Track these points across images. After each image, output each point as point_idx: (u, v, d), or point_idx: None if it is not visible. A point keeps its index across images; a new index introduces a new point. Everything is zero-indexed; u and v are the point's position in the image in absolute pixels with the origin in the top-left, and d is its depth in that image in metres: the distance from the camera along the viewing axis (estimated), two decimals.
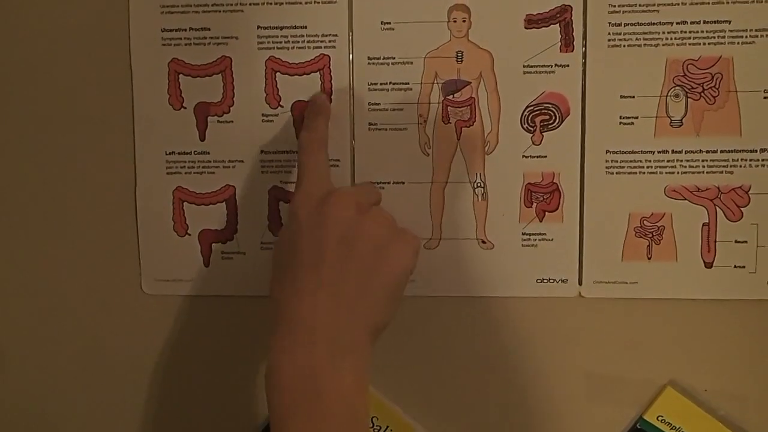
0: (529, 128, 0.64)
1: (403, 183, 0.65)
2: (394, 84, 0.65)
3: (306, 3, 0.65)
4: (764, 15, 0.62)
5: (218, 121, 0.66)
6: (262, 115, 0.66)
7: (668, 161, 0.64)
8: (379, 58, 0.65)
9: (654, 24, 0.63)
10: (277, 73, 0.65)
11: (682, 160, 0.64)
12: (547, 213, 0.65)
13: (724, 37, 0.63)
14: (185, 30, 0.65)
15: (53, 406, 0.70)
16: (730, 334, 0.65)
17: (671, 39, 0.63)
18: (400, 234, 0.58)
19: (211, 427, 0.69)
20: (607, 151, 0.64)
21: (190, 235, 0.67)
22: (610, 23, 0.63)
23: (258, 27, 0.65)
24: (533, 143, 0.64)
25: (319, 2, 0.64)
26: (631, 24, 0.63)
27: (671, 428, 0.64)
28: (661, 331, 0.65)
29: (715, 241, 0.64)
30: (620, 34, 0.63)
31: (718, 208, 0.64)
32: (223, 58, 0.66)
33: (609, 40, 0.63)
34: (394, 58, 0.64)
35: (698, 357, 0.65)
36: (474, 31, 0.64)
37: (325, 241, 0.56)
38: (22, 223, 0.69)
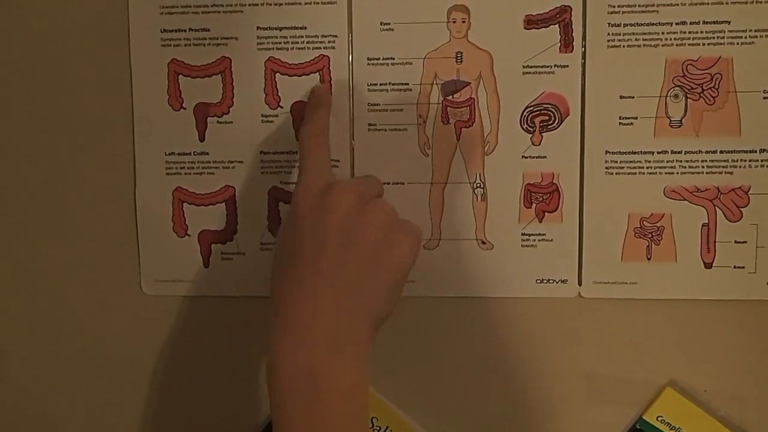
0: (529, 129, 0.64)
1: (403, 183, 0.65)
2: (393, 84, 0.65)
3: (305, 4, 0.65)
4: (764, 15, 0.62)
5: (218, 122, 0.66)
6: (262, 115, 0.66)
7: (668, 161, 0.64)
8: (378, 59, 0.65)
9: (653, 24, 0.63)
10: (277, 74, 0.65)
11: (681, 161, 0.64)
12: (546, 213, 0.65)
13: (723, 37, 0.63)
14: (185, 31, 0.65)
15: (53, 406, 0.70)
16: (729, 334, 0.65)
17: (671, 39, 0.63)
18: (402, 225, 0.58)
19: (211, 427, 0.69)
20: (607, 152, 0.64)
21: (189, 235, 0.67)
22: (609, 24, 0.63)
23: (257, 28, 0.65)
24: (533, 144, 0.64)
25: (318, 3, 0.64)
26: (631, 24, 0.63)
27: (671, 428, 0.64)
28: (660, 332, 0.65)
29: (715, 242, 0.64)
30: (620, 34, 0.63)
31: (717, 209, 0.64)
32: (222, 59, 0.66)
33: (608, 41, 0.63)
34: (393, 58, 0.64)
35: (698, 357, 0.65)
36: (473, 31, 0.64)
37: (325, 231, 0.55)
38: (22, 223, 0.69)
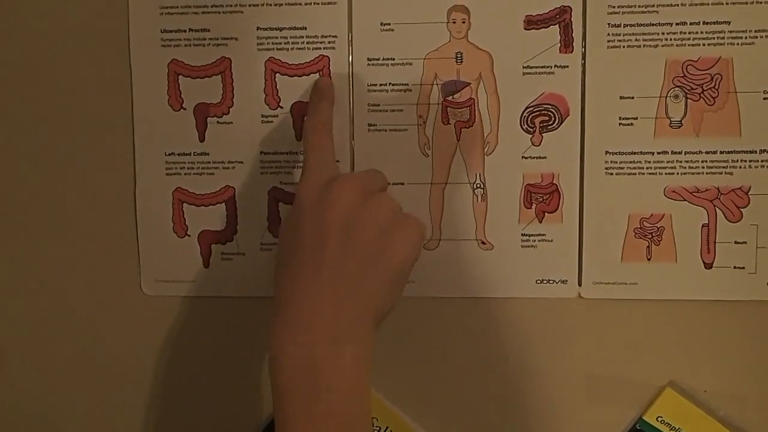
0: (529, 129, 0.64)
1: (403, 184, 0.65)
2: (393, 85, 0.65)
3: (305, 4, 0.65)
4: (764, 16, 0.62)
5: (218, 122, 0.66)
6: (262, 116, 0.66)
7: (668, 162, 0.64)
8: (378, 59, 0.65)
9: (653, 25, 0.63)
10: (277, 74, 0.65)
11: (681, 161, 0.64)
12: (546, 214, 0.65)
13: (723, 37, 0.63)
14: (185, 31, 0.65)
15: (53, 406, 0.70)
16: (729, 334, 0.65)
17: (671, 40, 0.63)
18: (405, 220, 0.57)
19: (211, 427, 0.69)
20: (607, 152, 0.64)
21: (189, 236, 0.67)
22: (609, 24, 0.63)
23: (257, 28, 0.65)
24: (533, 144, 0.64)
25: (318, 3, 0.64)
26: (631, 25, 0.63)
27: (671, 429, 0.64)
28: (660, 332, 0.65)
29: (715, 242, 0.64)
30: (620, 35, 0.63)
31: (717, 209, 0.64)
32: (222, 59, 0.66)
33: (608, 41, 0.63)
34: (393, 59, 0.64)
35: (698, 358, 0.65)
36: (473, 32, 0.64)
37: (328, 224, 0.55)
38: (22, 223, 0.69)
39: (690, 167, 0.64)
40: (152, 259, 0.68)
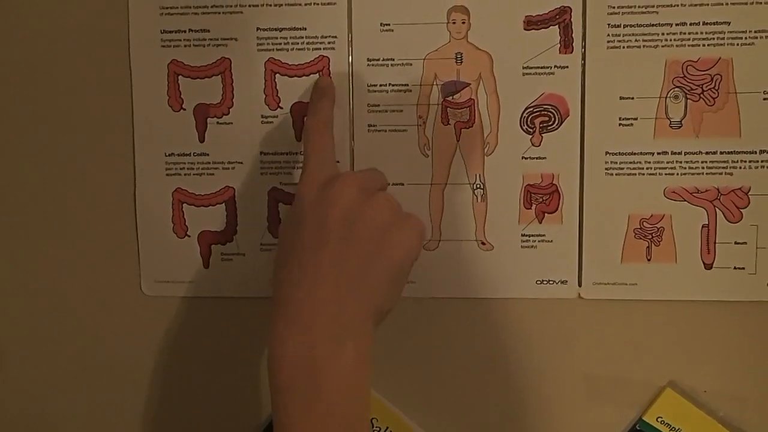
0: (529, 129, 0.64)
1: (403, 184, 0.65)
2: (393, 85, 0.65)
3: (305, 5, 0.65)
4: (764, 16, 0.62)
5: (218, 123, 0.66)
6: (262, 116, 0.66)
7: (668, 162, 0.64)
8: (378, 60, 0.65)
9: (653, 25, 0.63)
10: (277, 75, 0.65)
11: (681, 162, 0.64)
12: (546, 214, 0.65)
13: (723, 38, 0.63)
14: (185, 31, 0.65)
15: (53, 406, 0.70)
16: (729, 335, 0.65)
17: (670, 40, 0.63)
18: (405, 218, 0.57)
19: (211, 427, 0.69)
20: (607, 153, 0.64)
21: (189, 236, 0.67)
22: (609, 24, 0.63)
23: (257, 29, 0.65)
24: (533, 144, 0.64)
25: (318, 4, 0.64)
26: (631, 25, 0.63)
27: (671, 429, 0.64)
28: (660, 333, 0.65)
29: (715, 243, 0.64)
30: (619, 35, 0.63)
31: (717, 210, 0.64)
32: (222, 60, 0.66)
33: (608, 42, 0.63)
34: (393, 59, 0.64)
35: (698, 358, 0.65)
36: (473, 32, 0.64)
37: (328, 222, 0.55)
38: (22, 224, 0.69)
39: (690, 168, 0.64)
40: (152, 259, 0.68)
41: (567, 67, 0.64)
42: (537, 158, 0.64)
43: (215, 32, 0.65)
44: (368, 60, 0.65)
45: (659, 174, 0.64)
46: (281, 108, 0.66)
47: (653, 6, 0.63)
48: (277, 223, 0.66)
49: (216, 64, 0.66)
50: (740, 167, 0.63)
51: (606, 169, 0.64)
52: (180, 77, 0.66)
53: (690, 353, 0.65)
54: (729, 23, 0.62)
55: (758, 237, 0.64)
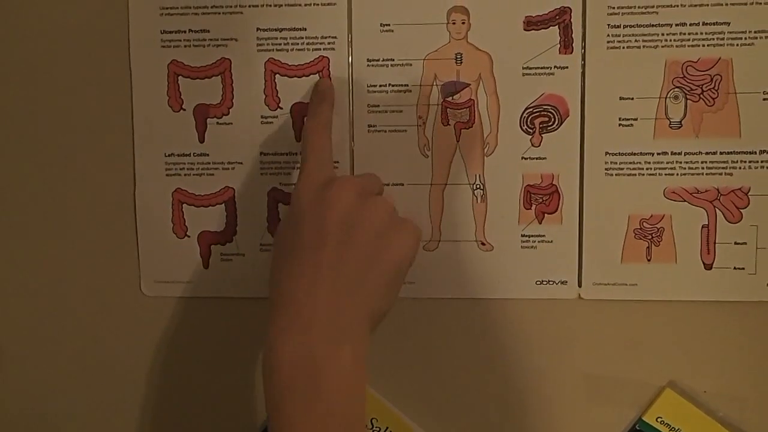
0: (529, 130, 0.64)
1: (403, 185, 0.65)
2: (393, 86, 0.65)
3: (305, 5, 0.65)
4: (763, 16, 0.62)
5: (217, 123, 0.66)
6: (262, 116, 0.66)
7: (667, 163, 0.64)
8: (378, 60, 0.65)
9: (653, 26, 0.63)
10: (277, 75, 0.65)
11: (681, 162, 0.64)
12: (546, 215, 0.65)
13: (723, 38, 0.63)
14: (185, 32, 0.65)
15: (53, 406, 0.70)
16: (729, 335, 0.65)
17: (670, 40, 0.63)
18: (401, 223, 0.58)
19: (210, 428, 0.69)
20: (607, 153, 0.64)
21: (189, 236, 0.67)
22: (609, 25, 0.63)
23: (257, 29, 0.65)
24: (532, 145, 0.64)
25: (318, 4, 0.64)
26: (630, 26, 0.63)
27: (670, 429, 0.64)
28: (660, 333, 0.65)
29: (715, 243, 0.64)
30: (619, 35, 0.63)
31: (717, 210, 0.64)
32: (222, 60, 0.66)
33: (608, 42, 0.63)
34: (393, 59, 0.64)
35: (698, 358, 0.65)
36: (473, 32, 0.64)
37: (326, 224, 0.55)
38: (22, 224, 0.69)
39: (690, 168, 0.64)
40: (152, 259, 0.68)
41: (567, 67, 0.64)
42: (537, 158, 0.64)
43: (215, 32, 0.65)
44: (368, 60, 0.65)
45: (659, 174, 0.64)
46: (281, 108, 0.66)
47: (653, 6, 0.63)
48: (277, 223, 0.66)
49: (216, 64, 0.66)
50: (740, 167, 0.63)
51: (606, 169, 0.64)
52: (180, 77, 0.66)
53: (690, 353, 0.65)
54: (729, 24, 0.62)
55: (758, 237, 0.64)
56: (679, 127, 0.63)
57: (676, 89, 0.63)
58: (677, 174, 0.64)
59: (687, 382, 0.65)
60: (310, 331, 0.53)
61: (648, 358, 0.65)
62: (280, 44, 0.65)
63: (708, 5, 0.62)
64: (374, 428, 0.66)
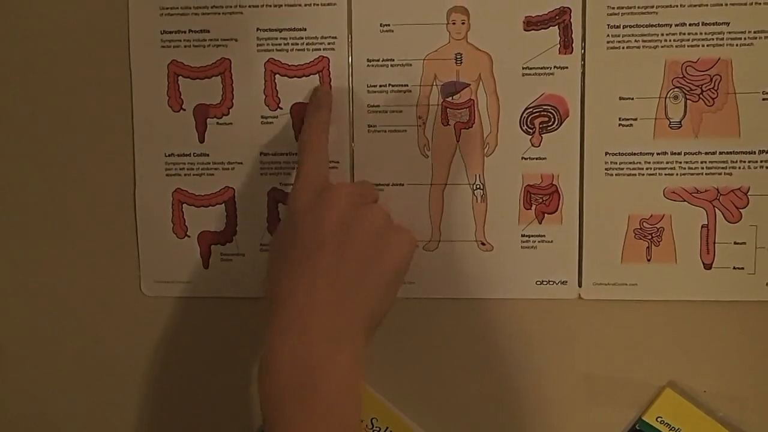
0: (528, 130, 0.64)
1: (402, 185, 0.65)
2: (393, 86, 0.65)
3: (305, 5, 0.65)
4: (763, 17, 0.62)
5: (217, 123, 0.66)
6: (262, 117, 0.66)
7: (667, 163, 0.64)
8: (378, 60, 0.65)
9: (653, 26, 0.63)
10: (277, 75, 0.65)
11: (681, 162, 0.64)
12: (546, 215, 0.65)
13: (723, 38, 0.63)
14: (185, 32, 0.65)
15: (53, 406, 0.70)
16: (729, 335, 0.65)
17: (670, 41, 0.63)
18: (398, 228, 0.58)
19: (210, 428, 0.69)
20: (607, 153, 0.64)
21: (189, 236, 0.67)
22: (608, 25, 0.63)
23: (257, 29, 0.65)
24: (532, 145, 0.64)
25: (318, 4, 0.64)
26: (630, 26, 0.63)
27: (670, 429, 0.64)
28: (660, 333, 0.65)
29: (714, 243, 0.64)
30: (619, 36, 0.63)
31: (717, 210, 0.64)
32: (222, 60, 0.66)
33: (608, 42, 0.63)
34: (393, 60, 0.64)
35: (697, 358, 0.65)
36: (473, 32, 0.64)
37: (325, 225, 0.56)
38: (22, 224, 0.69)
39: (689, 168, 0.64)
40: (152, 259, 0.68)
41: (567, 67, 0.64)
42: (537, 158, 0.64)
43: (215, 33, 0.65)
44: (368, 60, 0.65)
45: (659, 174, 0.64)
46: (281, 108, 0.66)
47: (653, 6, 0.63)
48: (277, 223, 0.66)
49: (216, 64, 0.66)
50: (739, 167, 0.63)
51: (606, 169, 0.64)
52: (180, 78, 0.66)
53: (690, 353, 0.65)
54: (728, 24, 0.62)
55: (757, 237, 0.64)
56: (679, 127, 0.63)
57: (675, 89, 0.63)
58: (677, 174, 0.64)
59: (687, 382, 0.65)
60: (310, 332, 0.53)
61: (648, 358, 0.65)
62: (280, 44, 0.65)
63: (708, 5, 0.62)
64: (374, 428, 0.66)
